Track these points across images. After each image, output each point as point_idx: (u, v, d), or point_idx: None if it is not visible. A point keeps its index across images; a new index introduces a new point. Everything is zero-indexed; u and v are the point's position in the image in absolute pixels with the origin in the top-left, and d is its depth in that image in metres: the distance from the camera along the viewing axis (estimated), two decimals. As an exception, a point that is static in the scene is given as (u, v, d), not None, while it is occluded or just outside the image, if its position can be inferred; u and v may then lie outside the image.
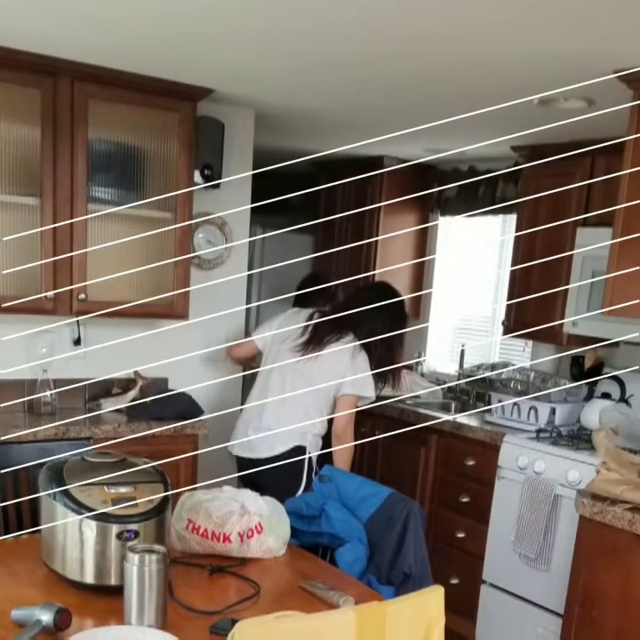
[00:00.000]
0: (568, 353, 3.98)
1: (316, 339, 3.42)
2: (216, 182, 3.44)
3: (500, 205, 4.45)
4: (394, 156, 4.77)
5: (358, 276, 4.69)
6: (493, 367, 4.22)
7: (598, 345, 3.55)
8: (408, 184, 4.93)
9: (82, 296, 3.12)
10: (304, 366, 3.40)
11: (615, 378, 3.66)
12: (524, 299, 3.88)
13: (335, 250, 4.79)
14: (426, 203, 5.02)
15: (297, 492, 3.24)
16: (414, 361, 4.84)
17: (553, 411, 3.75)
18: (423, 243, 5.13)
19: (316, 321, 3.46)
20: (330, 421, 3.43)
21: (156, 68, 2.98)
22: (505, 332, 4.20)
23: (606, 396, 3.64)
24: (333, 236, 5.20)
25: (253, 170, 5.67)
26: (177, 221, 3.22)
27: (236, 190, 3.69)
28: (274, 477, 3.28)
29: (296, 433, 3.37)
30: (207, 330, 3.70)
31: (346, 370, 3.38)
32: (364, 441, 3.92)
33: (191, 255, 3.47)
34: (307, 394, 3.47)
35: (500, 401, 3.86)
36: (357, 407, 3.44)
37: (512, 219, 4.43)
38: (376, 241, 4.90)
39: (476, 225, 4.87)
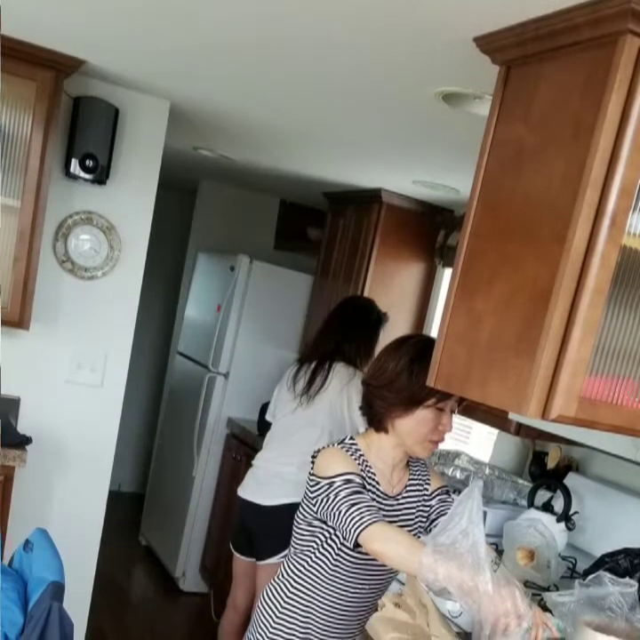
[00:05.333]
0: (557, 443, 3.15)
1: (311, 386, 3.19)
2: (93, 177, 2.89)
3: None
4: (390, 189, 4.09)
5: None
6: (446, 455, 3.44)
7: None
8: (410, 226, 4.23)
9: None
10: (303, 413, 3.20)
11: (563, 486, 2.79)
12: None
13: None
14: (429, 250, 4.30)
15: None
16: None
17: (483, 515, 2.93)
18: (425, 296, 4.37)
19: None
20: None
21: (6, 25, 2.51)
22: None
23: (547, 507, 2.77)
24: (328, 278, 4.55)
25: (235, 187, 5.02)
26: (22, 212, 2.71)
27: (133, 191, 3.05)
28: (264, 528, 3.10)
29: (290, 485, 3.06)
30: (78, 348, 3.10)
31: (342, 400, 3.14)
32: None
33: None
34: (308, 438, 3.07)
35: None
36: None
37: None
38: (362, 289, 4.20)
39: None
